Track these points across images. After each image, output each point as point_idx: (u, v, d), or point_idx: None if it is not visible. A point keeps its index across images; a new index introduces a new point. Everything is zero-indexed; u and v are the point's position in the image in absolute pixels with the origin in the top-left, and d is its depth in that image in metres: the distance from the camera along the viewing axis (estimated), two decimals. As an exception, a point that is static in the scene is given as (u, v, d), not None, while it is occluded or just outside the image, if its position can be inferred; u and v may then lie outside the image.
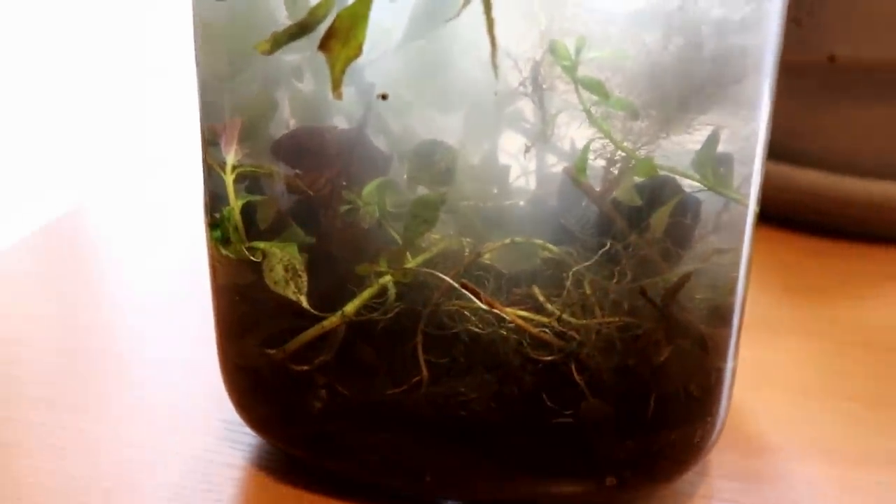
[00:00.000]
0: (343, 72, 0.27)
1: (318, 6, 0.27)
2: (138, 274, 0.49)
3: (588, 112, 0.29)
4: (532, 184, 0.31)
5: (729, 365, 0.32)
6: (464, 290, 0.29)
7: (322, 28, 0.27)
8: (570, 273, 0.29)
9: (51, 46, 0.97)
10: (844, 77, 0.50)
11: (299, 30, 0.28)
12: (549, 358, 0.29)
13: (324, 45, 0.27)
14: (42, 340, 0.42)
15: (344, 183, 0.30)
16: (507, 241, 0.30)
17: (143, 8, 1.00)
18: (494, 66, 0.26)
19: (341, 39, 0.26)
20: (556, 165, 0.30)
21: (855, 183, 0.51)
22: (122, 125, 0.97)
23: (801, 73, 0.51)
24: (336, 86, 0.27)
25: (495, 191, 0.31)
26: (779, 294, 0.47)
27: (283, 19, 0.29)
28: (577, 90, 0.28)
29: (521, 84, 0.29)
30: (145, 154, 0.73)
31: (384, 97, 0.28)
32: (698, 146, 0.30)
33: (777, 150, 0.53)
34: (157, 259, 0.51)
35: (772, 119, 0.32)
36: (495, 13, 0.26)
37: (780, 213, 0.54)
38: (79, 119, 0.97)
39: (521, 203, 0.31)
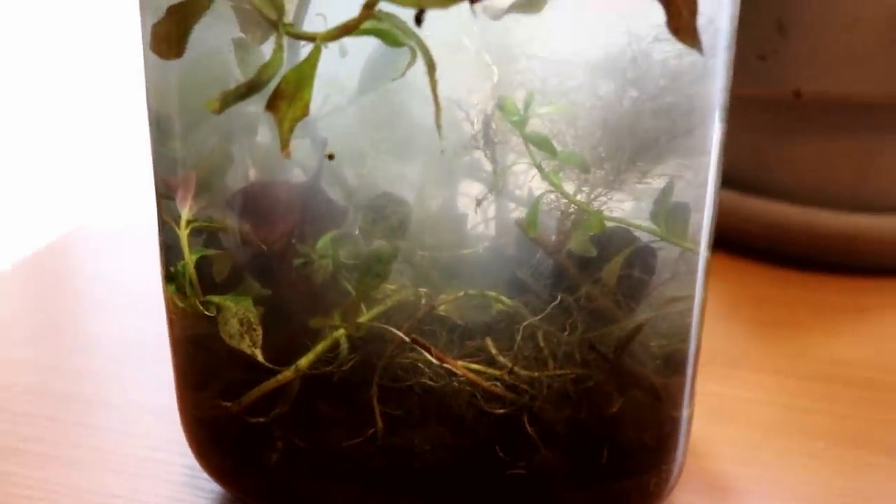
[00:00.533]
0: (291, 131, 0.27)
1: (266, 66, 0.27)
2: (107, 317, 0.49)
3: (538, 166, 0.29)
4: (488, 234, 0.31)
5: (685, 413, 0.32)
6: (415, 345, 0.29)
7: (272, 86, 0.27)
8: (523, 326, 0.29)
9: (50, 62, 0.98)
10: (811, 111, 0.50)
11: (248, 89, 0.28)
12: (502, 411, 0.29)
13: (271, 106, 0.27)
14: (10, 385, 0.42)
15: (298, 236, 0.30)
16: (462, 293, 0.30)
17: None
18: (438, 125, 0.27)
19: (288, 100, 0.27)
20: (513, 213, 0.31)
21: (825, 216, 0.51)
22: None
23: (768, 108, 0.51)
24: (284, 144, 0.27)
25: (451, 241, 0.31)
26: (747, 328, 0.48)
27: (237, 75, 0.30)
28: (526, 145, 0.29)
29: (473, 137, 0.29)
30: (121, 190, 0.73)
31: (331, 157, 0.29)
32: (653, 196, 0.30)
33: (746, 183, 0.53)
34: (127, 302, 0.51)
35: (727, 160, 0.33)
36: (447, 64, 0.27)
37: (748, 245, 0.54)
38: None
39: (479, 252, 0.31)
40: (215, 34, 0.29)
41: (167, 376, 0.40)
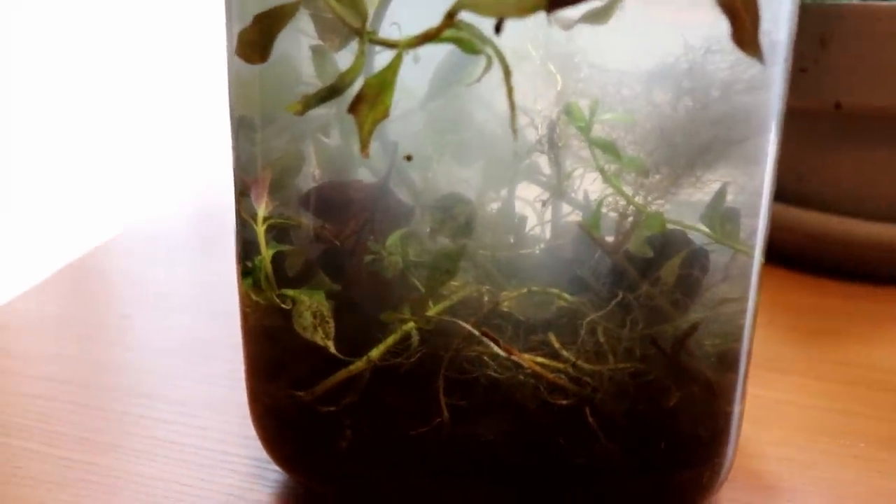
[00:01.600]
0: (371, 133, 0.29)
1: (347, 72, 0.29)
2: (154, 317, 0.51)
3: (601, 170, 0.31)
4: (548, 234, 0.33)
5: (736, 409, 0.34)
6: (483, 338, 0.31)
7: (350, 91, 0.29)
8: (585, 322, 0.31)
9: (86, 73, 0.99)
10: (851, 123, 0.51)
11: (329, 93, 0.29)
12: (565, 402, 0.31)
13: (353, 109, 0.28)
14: (71, 379, 0.44)
15: (369, 234, 0.32)
16: (525, 290, 0.32)
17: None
18: (514, 129, 0.28)
19: (369, 103, 0.28)
20: (572, 216, 0.32)
21: (862, 225, 0.52)
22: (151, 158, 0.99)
23: (808, 119, 0.53)
24: (364, 146, 0.29)
25: (512, 241, 0.33)
26: (788, 335, 0.49)
27: (311, 78, 0.31)
28: (590, 149, 0.30)
29: (538, 142, 0.31)
30: (177, 189, 0.75)
31: (409, 158, 0.30)
32: (707, 200, 0.32)
33: (786, 194, 0.55)
34: (172, 303, 0.52)
35: (777, 170, 0.34)
36: (515, 72, 0.28)
37: (789, 255, 0.55)
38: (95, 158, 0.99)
39: (539, 253, 0.33)
40: (292, 41, 0.31)
41: (218, 371, 0.42)
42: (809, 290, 0.54)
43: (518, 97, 0.29)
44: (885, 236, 0.52)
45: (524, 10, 0.27)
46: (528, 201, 0.33)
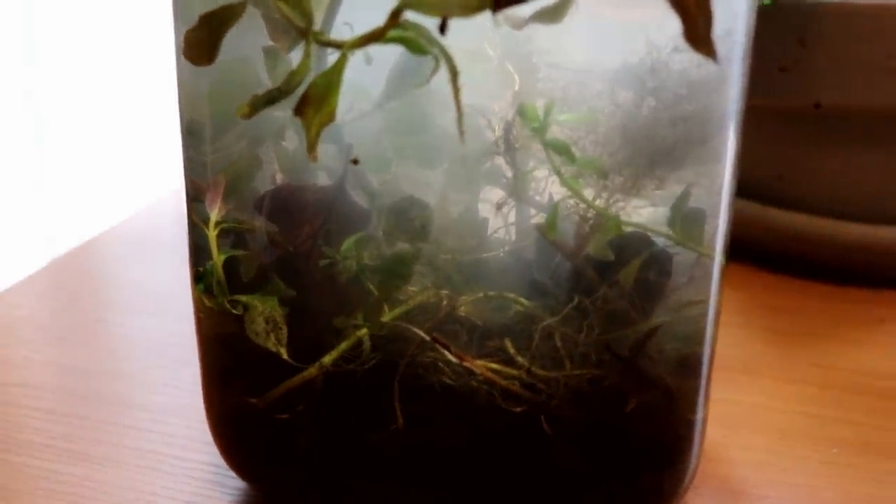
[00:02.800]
0: (317, 135, 0.28)
1: (294, 72, 0.28)
2: (133, 320, 0.50)
3: (558, 172, 0.30)
4: (507, 238, 0.32)
5: (699, 414, 0.33)
6: (435, 343, 0.30)
7: (299, 92, 0.28)
8: (540, 326, 0.30)
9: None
10: (831, 123, 0.51)
11: (277, 95, 0.29)
12: (519, 409, 0.30)
13: (299, 111, 0.28)
14: (40, 384, 0.44)
15: (324, 238, 0.31)
16: (481, 294, 0.31)
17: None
18: (461, 131, 0.28)
19: (315, 105, 0.28)
20: (532, 219, 0.32)
21: (842, 226, 0.52)
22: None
23: (788, 119, 0.52)
24: (311, 149, 0.28)
25: (471, 245, 0.32)
26: (764, 336, 0.48)
27: (266, 81, 0.31)
28: (546, 151, 0.30)
29: (495, 143, 0.31)
30: (157, 191, 0.75)
31: (356, 162, 0.30)
32: (669, 202, 0.31)
33: (766, 194, 0.54)
34: (152, 306, 0.52)
35: (752, 169, 0.33)
36: (470, 72, 0.28)
37: (768, 256, 0.55)
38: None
39: (499, 255, 0.32)
40: (245, 41, 0.31)
41: (191, 378, 0.42)
42: (787, 291, 0.53)
43: (476, 98, 0.29)
44: (865, 238, 0.52)
45: (468, 10, 0.26)
46: (490, 203, 0.32)
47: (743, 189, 0.53)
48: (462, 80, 0.27)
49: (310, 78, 0.28)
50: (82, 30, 0.97)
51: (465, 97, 0.28)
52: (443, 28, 0.26)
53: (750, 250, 0.55)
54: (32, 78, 0.91)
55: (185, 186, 0.33)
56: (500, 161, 0.31)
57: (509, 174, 0.31)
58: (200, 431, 0.39)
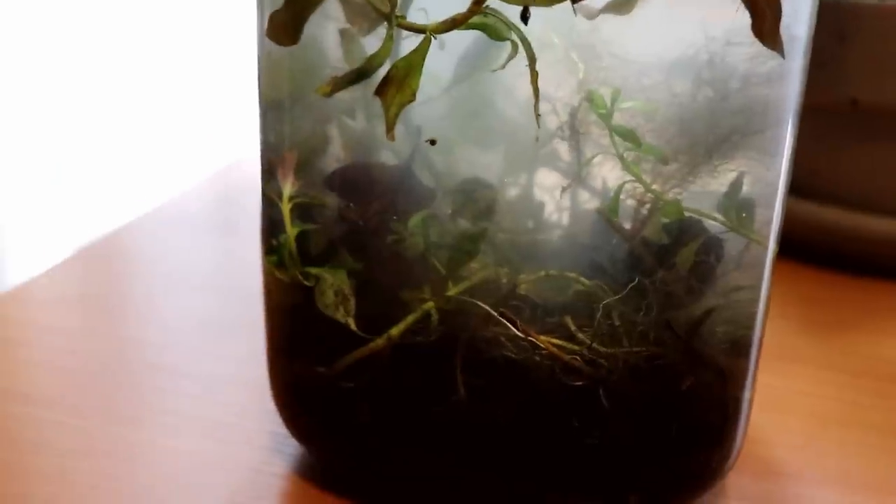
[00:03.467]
0: (397, 115, 0.29)
1: (375, 55, 0.30)
2: (180, 296, 0.52)
3: (621, 157, 0.31)
4: (566, 220, 0.33)
5: (746, 395, 0.34)
6: (501, 319, 0.31)
7: (377, 75, 0.30)
8: (601, 305, 0.31)
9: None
10: (866, 120, 0.52)
11: (357, 76, 0.30)
12: (580, 383, 0.31)
13: (380, 91, 0.29)
14: (95, 352, 0.45)
15: (391, 215, 0.33)
16: (542, 273, 0.32)
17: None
18: (536, 114, 0.29)
19: (396, 86, 0.29)
20: (590, 202, 0.33)
21: (875, 221, 0.53)
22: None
23: (824, 115, 0.53)
24: (390, 128, 0.29)
25: (531, 225, 0.34)
26: (799, 326, 0.50)
27: (339, 62, 0.32)
28: (611, 137, 0.31)
29: (559, 128, 0.32)
30: (200, 170, 0.76)
31: (433, 142, 0.31)
32: (723, 189, 0.32)
33: (801, 188, 0.55)
34: (197, 283, 0.53)
35: (793, 162, 0.34)
36: (538, 60, 0.29)
37: (803, 249, 0.56)
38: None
39: (556, 237, 0.34)
40: (320, 24, 0.32)
41: (241, 349, 0.43)
42: (822, 283, 0.54)
43: (541, 84, 0.30)
44: (893, 231, 0.53)
45: (550, 0, 0.27)
46: (548, 188, 0.33)
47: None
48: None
49: (389, 61, 0.30)
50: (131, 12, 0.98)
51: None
52: (525, 16, 0.28)
53: (784, 242, 0.56)
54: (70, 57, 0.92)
55: (260, 164, 0.34)
56: (559, 145, 0.32)
57: (568, 158, 0.32)
58: (254, 400, 0.40)
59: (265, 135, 0.34)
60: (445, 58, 0.31)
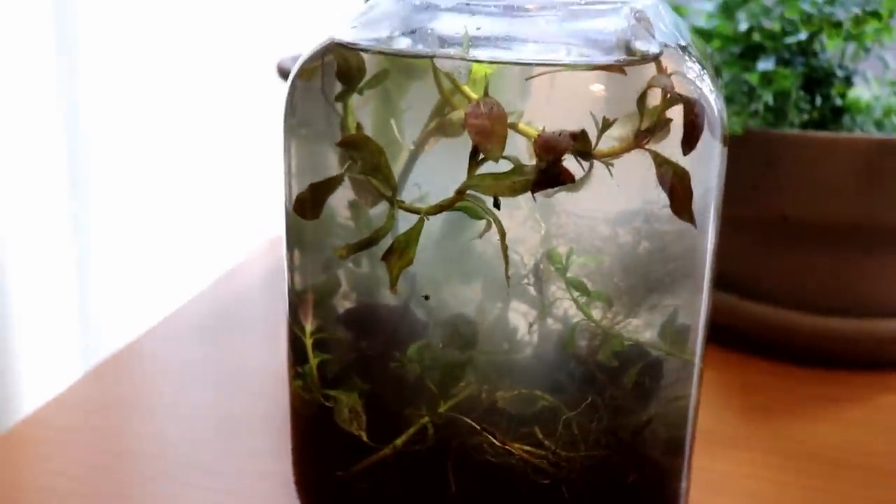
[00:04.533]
0: (398, 277, 0.37)
1: (380, 229, 0.38)
2: (203, 393, 0.59)
3: (575, 301, 0.39)
4: (534, 348, 0.41)
5: (683, 484, 0.42)
6: (483, 431, 0.39)
7: (384, 243, 0.38)
8: (562, 419, 0.39)
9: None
10: (795, 231, 0.58)
11: (367, 244, 0.38)
12: (546, 481, 0.39)
13: (385, 258, 0.37)
14: (138, 451, 0.52)
15: (393, 346, 0.40)
16: (516, 392, 0.40)
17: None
18: (507, 277, 0.37)
19: (398, 255, 0.37)
20: (553, 332, 0.41)
21: (804, 318, 0.60)
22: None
23: (760, 226, 0.60)
24: (393, 285, 0.38)
25: (507, 348, 0.41)
26: (737, 412, 0.55)
27: (347, 222, 0.40)
28: (567, 286, 0.39)
29: (526, 276, 0.40)
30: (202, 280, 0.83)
31: (427, 298, 0.39)
32: (662, 320, 0.40)
33: (741, 288, 0.63)
34: (231, 384, 0.61)
35: (734, 268, 0.42)
36: (505, 218, 0.36)
37: (743, 341, 0.63)
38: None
39: (526, 362, 0.41)
40: (335, 196, 0.40)
41: (270, 447, 0.51)
42: (758, 372, 0.60)
43: (511, 237, 0.38)
44: (824, 328, 0.60)
45: (514, 192, 0.36)
46: (522, 317, 0.41)
47: (722, 283, 0.62)
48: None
49: (391, 235, 0.38)
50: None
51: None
52: (496, 203, 0.36)
53: (725, 337, 0.64)
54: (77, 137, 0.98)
55: (288, 308, 0.42)
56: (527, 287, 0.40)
57: (534, 297, 0.40)
58: (285, 496, 0.47)
59: (290, 281, 0.42)
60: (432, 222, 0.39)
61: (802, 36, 0.61)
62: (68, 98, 0.94)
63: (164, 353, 0.64)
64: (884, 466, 0.51)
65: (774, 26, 0.64)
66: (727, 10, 0.67)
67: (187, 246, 1.07)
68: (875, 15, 0.58)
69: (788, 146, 0.58)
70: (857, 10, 0.58)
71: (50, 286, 0.95)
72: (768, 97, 0.61)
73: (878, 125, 0.63)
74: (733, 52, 0.64)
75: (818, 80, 0.63)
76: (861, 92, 0.64)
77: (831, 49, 0.63)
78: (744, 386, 0.59)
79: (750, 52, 0.64)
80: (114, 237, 1.01)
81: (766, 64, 0.63)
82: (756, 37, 0.64)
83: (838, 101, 0.63)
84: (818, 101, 0.62)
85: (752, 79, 0.62)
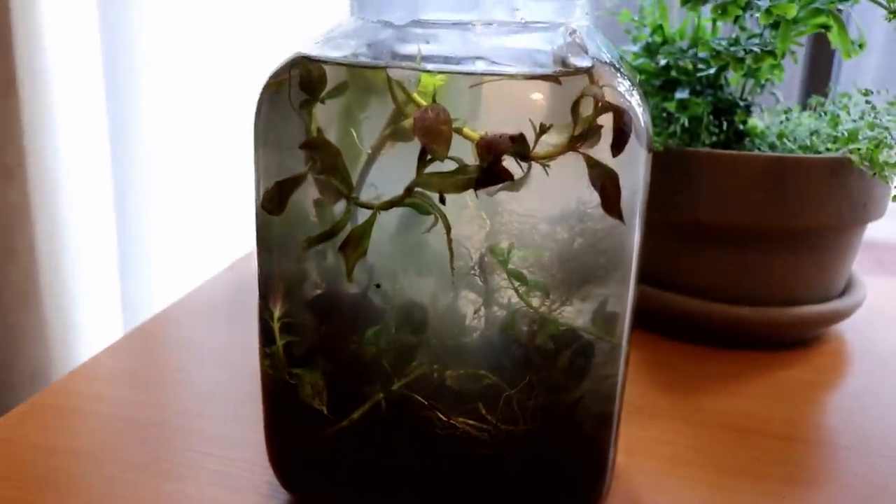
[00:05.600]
0: (354, 266, 0.32)
1: (338, 223, 0.32)
2: (210, 371, 0.54)
3: (515, 290, 0.34)
4: (481, 328, 0.36)
5: (611, 454, 0.37)
6: (432, 407, 0.34)
7: (341, 234, 0.32)
8: (503, 396, 0.34)
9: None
10: (707, 232, 0.55)
11: (325, 236, 0.33)
12: (488, 452, 0.34)
13: (342, 249, 0.32)
14: (135, 416, 0.47)
15: (353, 330, 0.35)
16: (462, 371, 0.35)
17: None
18: (452, 268, 0.31)
19: (353, 246, 0.32)
20: (497, 318, 0.35)
21: (716, 306, 0.55)
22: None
23: (678, 228, 0.56)
24: (349, 274, 0.32)
25: (455, 332, 0.36)
26: (658, 387, 0.52)
27: (313, 224, 0.35)
28: (508, 277, 0.34)
29: (472, 268, 0.34)
30: (219, 264, 0.77)
31: (378, 286, 0.33)
32: (594, 307, 0.35)
33: (663, 281, 0.58)
34: (220, 364, 0.55)
35: (656, 263, 0.37)
36: (454, 216, 0.32)
37: (663, 327, 0.59)
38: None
39: (475, 339, 0.36)
40: (301, 194, 0.34)
41: (248, 414, 0.45)
42: (677, 353, 0.56)
43: (458, 232, 0.32)
44: (733, 315, 0.55)
45: (458, 189, 0.30)
46: (469, 301, 0.35)
47: (646, 277, 0.57)
48: (452, 220, 0.31)
49: (349, 226, 0.32)
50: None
51: (454, 233, 0.32)
52: (442, 199, 0.30)
53: (650, 323, 0.59)
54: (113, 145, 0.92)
55: (258, 293, 0.36)
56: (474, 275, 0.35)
57: (481, 284, 0.35)
58: (258, 457, 0.42)
59: (261, 273, 0.36)
60: (390, 217, 0.34)
61: (712, 71, 0.57)
62: (115, 102, 0.88)
63: (174, 333, 0.58)
64: (781, 431, 0.47)
65: (687, 64, 0.59)
66: (649, 51, 0.62)
67: (209, 233, 1.00)
68: (771, 53, 0.53)
69: (700, 161, 0.53)
70: (756, 50, 0.53)
71: (93, 266, 0.88)
72: (685, 120, 0.56)
73: (772, 147, 0.58)
74: (654, 84, 0.59)
75: (724, 109, 0.58)
76: (754, 121, 0.59)
77: (734, 84, 0.59)
78: (664, 365, 0.55)
79: (668, 85, 0.59)
80: (149, 224, 0.94)
81: (681, 94, 0.58)
82: (673, 73, 0.59)
83: (741, 127, 0.58)
84: (724, 125, 0.57)
85: (671, 106, 0.58)
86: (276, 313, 0.36)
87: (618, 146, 0.31)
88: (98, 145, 0.86)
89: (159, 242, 0.96)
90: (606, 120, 0.32)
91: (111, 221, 0.89)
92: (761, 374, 0.54)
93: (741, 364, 0.55)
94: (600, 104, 0.31)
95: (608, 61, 0.34)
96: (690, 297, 0.56)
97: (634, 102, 0.33)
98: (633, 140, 0.32)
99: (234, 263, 0.72)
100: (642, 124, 0.33)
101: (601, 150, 0.32)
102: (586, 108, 0.32)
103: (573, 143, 0.31)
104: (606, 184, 0.31)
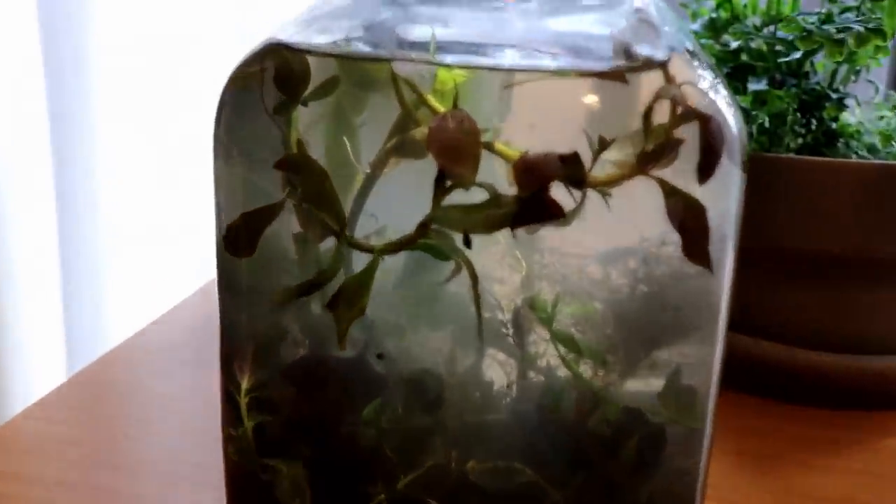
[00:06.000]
0: (347, 330, 0.28)
1: (326, 270, 0.28)
2: (158, 434, 0.49)
3: (562, 357, 0.29)
4: (513, 407, 0.31)
5: (687, 571, 0.32)
6: (450, 516, 0.29)
7: (331, 286, 0.28)
8: (545, 499, 0.29)
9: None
10: (789, 264, 0.51)
11: (309, 288, 0.28)
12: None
13: (332, 306, 0.27)
14: (71, 481, 0.43)
15: (345, 407, 0.31)
16: (488, 463, 0.30)
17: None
18: (479, 334, 0.27)
19: (347, 303, 0.27)
20: (536, 388, 0.31)
21: (795, 352, 0.52)
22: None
23: (752, 258, 0.52)
24: (341, 341, 0.28)
25: (479, 409, 0.32)
26: (731, 459, 0.48)
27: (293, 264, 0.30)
28: (553, 341, 0.29)
29: (503, 325, 0.30)
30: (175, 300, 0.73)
31: (381, 356, 0.29)
32: (663, 381, 0.31)
33: (733, 323, 0.54)
34: (177, 417, 0.51)
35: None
36: (479, 254, 0.28)
37: (728, 376, 0.55)
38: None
39: (505, 422, 0.32)
40: (277, 226, 0.30)
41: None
42: (752, 411, 0.52)
43: (486, 275, 0.28)
44: (823, 364, 0.52)
45: (489, 228, 0.26)
46: (498, 368, 0.31)
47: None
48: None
49: (341, 276, 0.28)
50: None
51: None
52: (467, 241, 0.26)
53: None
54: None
55: (220, 356, 0.32)
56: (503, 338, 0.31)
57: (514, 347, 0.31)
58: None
59: (224, 327, 0.32)
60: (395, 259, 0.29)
61: (798, 55, 0.52)
62: (56, 97, 0.84)
63: (122, 381, 0.54)
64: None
65: (761, 46, 0.54)
66: (714, 30, 0.58)
67: (178, 252, 0.96)
68: (879, 32, 0.48)
69: (784, 171, 0.50)
70: (859, 28, 0.48)
71: (36, 289, 0.84)
72: (764, 119, 0.52)
73: (872, 150, 0.53)
74: (722, 72, 0.55)
75: (811, 103, 0.53)
76: (845, 117, 0.55)
77: (819, 70, 0.55)
78: (732, 429, 0.50)
79: (738, 72, 0.55)
80: (102, 239, 0.91)
81: (757, 85, 0.54)
82: (744, 57, 0.55)
83: (832, 125, 0.53)
84: (813, 124, 0.53)
85: (744, 100, 0.53)
86: (244, 384, 0.31)
87: (706, 169, 0.27)
88: (38, 148, 0.82)
89: (110, 261, 0.92)
90: (689, 131, 0.27)
91: (53, 233, 0.85)
92: (862, 443, 0.50)
93: (836, 428, 0.51)
94: (681, 110, 0.27)
95: (685, 49, 0.30)
96: (765, 340, 0.53)
97: (722, 103, 0.29)
98: (723, 157, 0.28)
99: (205, 286, 0.68)
100: (734, 133, 0.29)
101: (680, 172, 0.28)
102: (660, 116, 0.27)
103: (643, 164, 0.27)
104: (689, 219, 0.27)
